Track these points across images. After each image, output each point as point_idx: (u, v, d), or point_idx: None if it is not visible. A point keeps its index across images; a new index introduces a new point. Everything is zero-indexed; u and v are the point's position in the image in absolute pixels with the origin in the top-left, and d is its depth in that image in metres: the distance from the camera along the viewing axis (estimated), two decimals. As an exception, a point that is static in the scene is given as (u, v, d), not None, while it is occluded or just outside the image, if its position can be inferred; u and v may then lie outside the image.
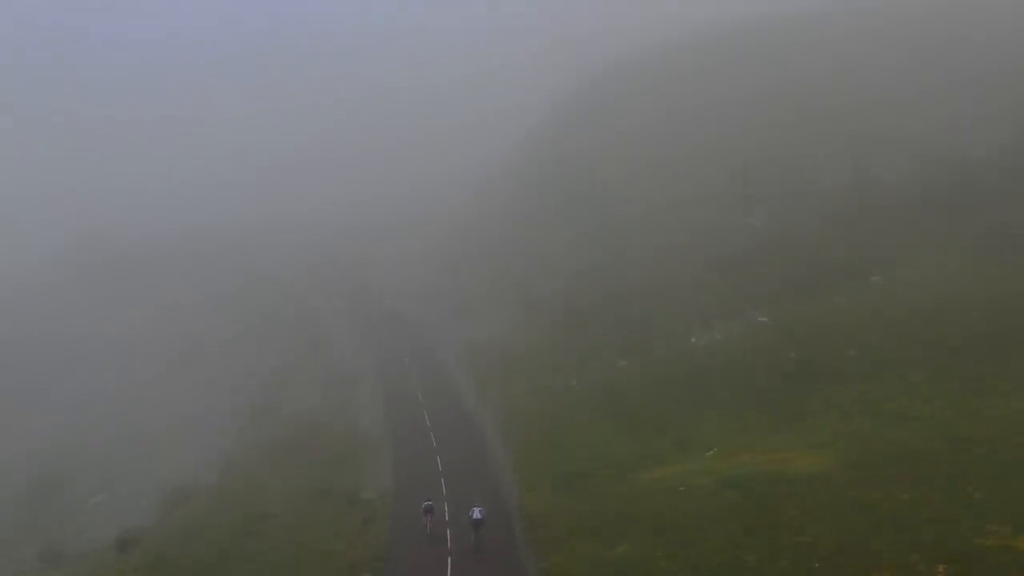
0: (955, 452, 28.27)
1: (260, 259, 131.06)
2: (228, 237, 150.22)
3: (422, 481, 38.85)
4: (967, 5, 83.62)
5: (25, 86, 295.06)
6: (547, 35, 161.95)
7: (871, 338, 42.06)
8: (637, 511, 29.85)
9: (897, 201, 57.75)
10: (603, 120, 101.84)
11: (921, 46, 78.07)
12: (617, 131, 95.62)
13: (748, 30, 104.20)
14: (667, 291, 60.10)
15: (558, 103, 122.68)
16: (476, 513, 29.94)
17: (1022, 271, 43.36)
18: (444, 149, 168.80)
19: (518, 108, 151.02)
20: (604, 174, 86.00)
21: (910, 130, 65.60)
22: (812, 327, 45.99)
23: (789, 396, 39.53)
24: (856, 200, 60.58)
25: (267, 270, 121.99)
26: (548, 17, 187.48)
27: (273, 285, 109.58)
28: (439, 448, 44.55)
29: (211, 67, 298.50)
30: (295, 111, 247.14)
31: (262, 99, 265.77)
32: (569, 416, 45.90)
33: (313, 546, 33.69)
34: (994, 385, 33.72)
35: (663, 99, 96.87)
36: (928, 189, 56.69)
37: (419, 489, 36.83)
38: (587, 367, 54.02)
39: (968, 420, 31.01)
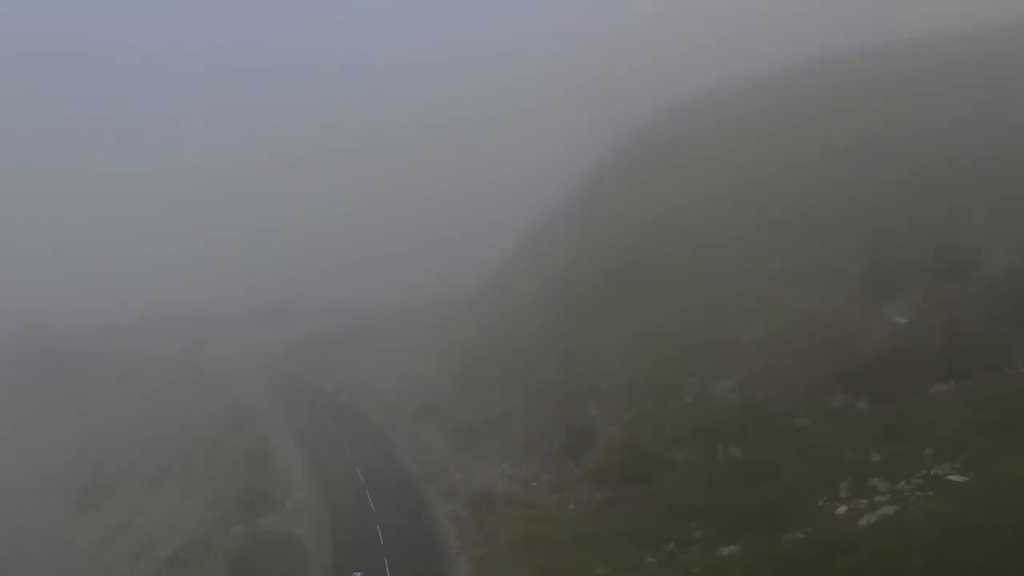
0: None
1: (220, 348, 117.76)
2: (187, 319, 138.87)
3: None
4: None
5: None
6: (595, 83, 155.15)
7: None
8: None
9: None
10: (667, 176, 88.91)
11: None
12: (683, 189, 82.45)
13: (870, 62, 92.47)
14: (783, 424, 44.10)
15: (608, 155, 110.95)
16: None
17: None
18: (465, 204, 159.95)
19: (558, 162, 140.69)
20: (670, 246, 71.40)
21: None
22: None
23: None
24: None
25: (222, 370, 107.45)
26: (595, 56, 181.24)
27: (222, 394, 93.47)
28: None
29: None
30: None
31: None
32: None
33: None
34: None
35: (742, 148, 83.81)
36: None
37: None
38: (671, 554, 37.59)
39: None
